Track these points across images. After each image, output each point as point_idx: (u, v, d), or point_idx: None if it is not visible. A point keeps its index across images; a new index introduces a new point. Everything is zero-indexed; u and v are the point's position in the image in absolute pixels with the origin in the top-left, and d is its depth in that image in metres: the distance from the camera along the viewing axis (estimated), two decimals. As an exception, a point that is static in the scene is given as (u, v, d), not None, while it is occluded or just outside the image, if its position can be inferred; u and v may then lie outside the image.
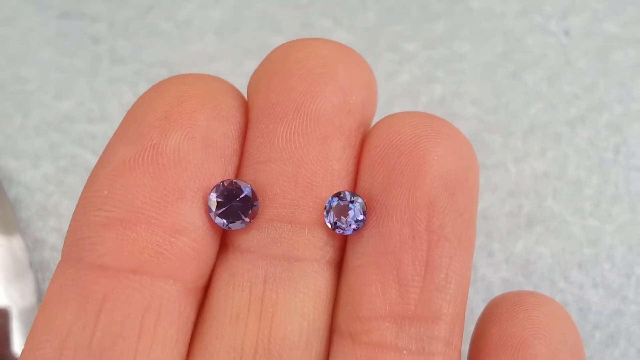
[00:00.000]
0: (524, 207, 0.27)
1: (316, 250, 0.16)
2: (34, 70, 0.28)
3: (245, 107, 0.16)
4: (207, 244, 0.15)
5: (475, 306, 0.25)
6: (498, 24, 0.30)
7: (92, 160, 0.27)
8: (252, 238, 0.16)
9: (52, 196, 0.26)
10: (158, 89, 0.16)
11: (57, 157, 0.27)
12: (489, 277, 0.26)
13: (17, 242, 0.25)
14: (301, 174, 0.15)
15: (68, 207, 0.26)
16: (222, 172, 0.15)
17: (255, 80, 0.16)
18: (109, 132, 0.27)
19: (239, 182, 0.15)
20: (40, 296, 0.25)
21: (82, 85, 0.28)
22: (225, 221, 0.15)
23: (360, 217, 0.15)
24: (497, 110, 0.28)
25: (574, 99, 0.28)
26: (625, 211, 0.27)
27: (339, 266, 0.16)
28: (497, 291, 0.26)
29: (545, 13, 0.30)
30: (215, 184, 0.15)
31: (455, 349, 0.16)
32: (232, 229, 0.15)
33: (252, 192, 0.15)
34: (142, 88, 0.28)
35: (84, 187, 0.15)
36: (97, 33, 0.29)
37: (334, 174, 0.16)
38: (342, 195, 0.15)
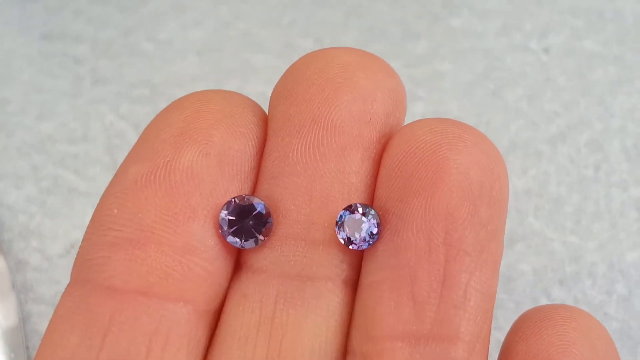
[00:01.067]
0: (505, 225, 0.27)
1: (331, 269, 0.15)
2: (16, 91, 0.28)
3: (265, 122, 0.15)
4: (219, 265, 0.15)
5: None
6: (478, 43, 0.30)
7: (74, 180, 0.27)
8: (264, 257, 0.15)
9: (35, 217, 0.26)
10: (176, 105, 0.15)
11: (40, 178, 0.27)
12: (471, 295, 0.26)
13: None
14: (316, 189, 0.15)
15: (50, 228, 0.26)
16: (237, 189, 0.15)
17: (277, 93, 0.15)
18: (91, 153, 0.27)
19: (251, 199, 0.14)
20: (23, 317, 0.25)
21: (64, 106, 0.28)
22: (237, 240, 0.14)
23: (375, 231, 0.14)
24: (478, 127, 0.28)
25: (554, 117, 0.28)
26: (606, 228, 0.27)
27: (356, 284, 0.15)
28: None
29: (525, 31, 0.30)
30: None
31: None
32: (245, 247, 0.15)
33: (265, 208, 0.15)
34: (124, 108, 0.28)
35: (96, 208, 0.15)
36: (78, 54, 0.29)
37: (351, 188, 0.15)
38: (353, 207, 0.14)
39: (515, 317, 0.16)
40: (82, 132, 0.28)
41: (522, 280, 0.26)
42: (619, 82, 0.29)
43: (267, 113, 0.15)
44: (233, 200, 0.14)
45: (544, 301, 0.26)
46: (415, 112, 0.28)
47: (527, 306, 0.25)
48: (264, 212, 0.15)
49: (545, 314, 0.15)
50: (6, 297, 0.25)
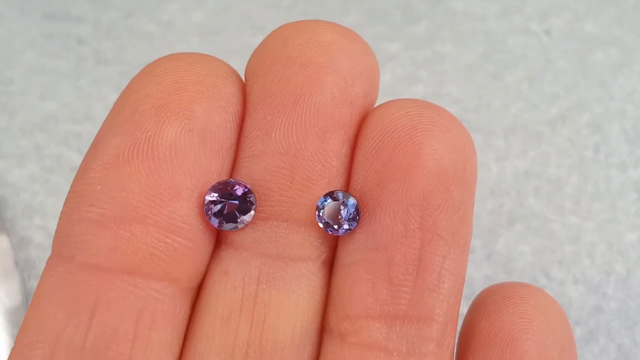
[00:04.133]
0: (505, 205, 0.27)
1: (312, 250, 0.15)
2: (19, 71, 0.28)
3: (244, 93, 0.15)
4: (202, 244, 0.15)
5: (457, 303, 0.25)
6: (479, 25, 0.30)
7: (77, 159, 0.27)
8: (246, 235, 0.15)
9: (38, 195, 0.26)
10: (152, 72, 0.15)
11: (43, 157, 0.27)
12: (471, 274, 0.26)
13: (3, 243, 0.25)
14: (298, 170, 0.15)
15: (53, 205, 0.26)
16: (219, 167, 0.15)
17: (254, 65, 0.15)
18: (93, 132, 0.27)
19: (236, 182, 0.15)
20: (26, 295, 0.25)
21: (67, 86, 0.28)
22: (223, 222, 0.15)
23: (354, 218, 0.15)
24: (479, 110, 0.28)
25: (554, 99, 0.29)
26: (605, 209, 0.27)
27: (332, 264, 0.16)
28: (479, 288, 0.26)
29: (526, 14, 0.30)
30: (212, 181, 0.14)
31: (447, 349, 0.15)
32: (229, 229, 0.15)
33: (250, 191, 0.15)
34: (127, 89, 0.28)
35: (75, 179, 0.14)
36: (81, 34, 0.29)
37: (332, 170, 0.15)
38: (334, 195, 0.15)
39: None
40: (85, 112, 0.28)
41: (522, 261, 0.26)
42: (619, 64, 0.29)
43: (244, 81, 0.15)
44: (218, 183, 0.14)
45: (543, 281, 0.26)
46: (415, 93, 0.28)
47: (526, 286, 0.26)
48: (248, 195, 0.15)
49: (506, 292, 0.16)
50: (10, 277, 0.25)
